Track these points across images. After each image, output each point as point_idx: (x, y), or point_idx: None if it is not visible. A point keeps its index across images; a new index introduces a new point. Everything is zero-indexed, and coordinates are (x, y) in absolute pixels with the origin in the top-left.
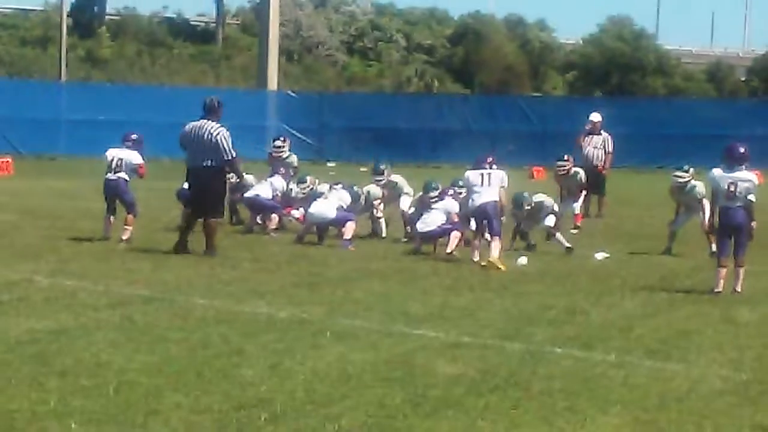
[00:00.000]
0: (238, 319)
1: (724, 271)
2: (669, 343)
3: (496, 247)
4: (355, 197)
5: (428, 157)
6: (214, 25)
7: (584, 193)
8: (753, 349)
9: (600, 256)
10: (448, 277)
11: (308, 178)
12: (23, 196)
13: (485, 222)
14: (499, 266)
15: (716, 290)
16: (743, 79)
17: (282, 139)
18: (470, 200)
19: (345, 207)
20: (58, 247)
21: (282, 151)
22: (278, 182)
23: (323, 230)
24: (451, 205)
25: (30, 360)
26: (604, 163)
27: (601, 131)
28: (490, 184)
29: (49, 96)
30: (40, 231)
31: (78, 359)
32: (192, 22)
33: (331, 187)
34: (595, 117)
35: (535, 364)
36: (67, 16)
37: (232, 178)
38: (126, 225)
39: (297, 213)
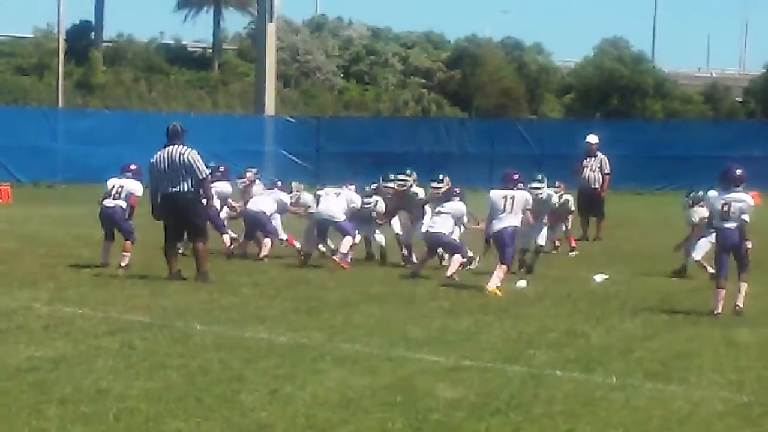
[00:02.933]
0: (237, 345)
1: (722, 292)
2: (669, 365)
3: (498, 276)
4: (366, 202)
5: (425, 180)
6: (211, 51)
7: (570, 217)
8: (753, 371)
9: (599, 278)
10: (447, 300)
11: (294, 185)
12: (21, 223)
13: (498, 247)
14: (498, 293)
15: (716, 312)
16: (740, 100)
17: (255, 170)
18: (490, 222)
19: (352, 209)
20: (57, 274)
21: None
22: (281, 195)
23: (324, 232)
24: (459, 208)
25: (29, 388)
26: (602, 185)
27: (597, 153)
28: (513, 210)
29: (46, 123)
30: (39, 258)
31: (78, 387)
32: (189, 49)
33: (345, 187)
34: (592, 139)
35: (536, 387)
36: (64, 42)
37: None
38: (124, 251)
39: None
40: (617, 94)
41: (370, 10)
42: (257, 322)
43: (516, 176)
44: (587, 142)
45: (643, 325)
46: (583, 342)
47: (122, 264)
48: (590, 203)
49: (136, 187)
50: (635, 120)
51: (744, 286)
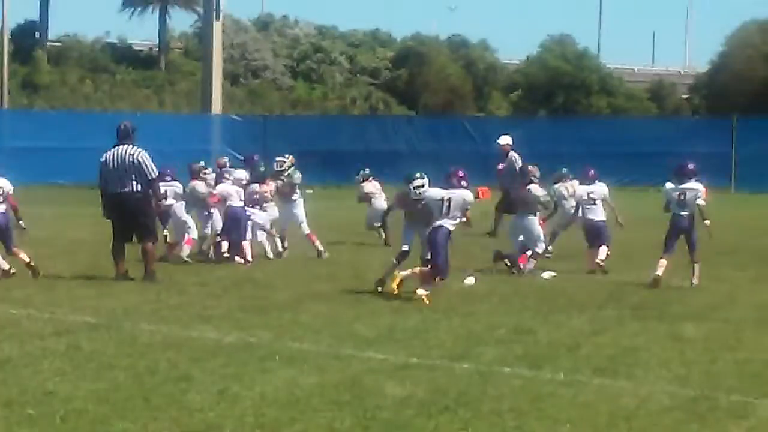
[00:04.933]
0: (185, 345)
1: (664, 261)
2: (616, 360)
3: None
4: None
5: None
6: (157, 50)
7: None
8: (699, 365)
9: (547, 275)
10: (395, 298)
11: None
12: None
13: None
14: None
15: (655, 274)
16: (685, 96)
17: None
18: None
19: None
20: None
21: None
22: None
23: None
24: (467, 196)
25: None
26: (511, 184)
27: (509, 153)
28: (450, 211)
29: None
30: None
31: (24, 388)
32: (135, 48)
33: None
34: (501, 140)
35: (484, 384)
36: (9, 42)
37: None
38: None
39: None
40: (562, 92)
41: (316, 8)
42: (204, 321)
43: (461, 174)
44: (497, 143)
45: (590, 321)
46: (530, 339)
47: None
48: (507, 202)
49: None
50: (580, 117)
51: (697, 267)
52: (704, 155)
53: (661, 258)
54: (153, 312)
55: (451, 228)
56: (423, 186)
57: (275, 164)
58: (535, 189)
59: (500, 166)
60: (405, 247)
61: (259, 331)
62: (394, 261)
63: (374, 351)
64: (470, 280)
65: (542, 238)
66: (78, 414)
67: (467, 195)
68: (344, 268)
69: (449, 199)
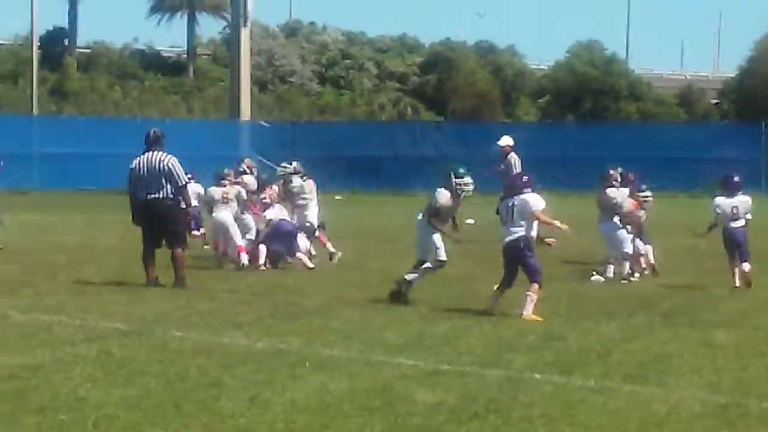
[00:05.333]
0: (215, 351)
1: (737, 269)
2: (647, 367)
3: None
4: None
5: (402, 185)
6: (185, 56)
7: None
8: (730, 372)
9: (596, 279)
10: (425, 305)
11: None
12: None
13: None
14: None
15: (736, 285)
16: (714, 102)
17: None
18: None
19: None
20: (34, 282)
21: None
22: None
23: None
24: (532, 200)
25: (7, 396)
26: None
27: (509, 155)
28: (513, 218)
29: (21, 130)
30: (15, 266)
31: (56, 395)
32: (163, 54)
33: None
34: (501, 141)
35: (514, 391)
36: (38, 49)
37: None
38: None
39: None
40: (590, 97)
41: (344, 14)
42: (235, 328)
43: (526, 178)
44: (497, 144)
45: (620, 328)
46: (561, 345)
47: None
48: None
49: None
50: (609, 122)
51: (746, 266)
52: (733, 160)
53: (733, 268)
54: (183, 318)
55: (522, 235)
56: (471, 183)
57: (278, 170)
58: (613, 193)
59: (499, 168)
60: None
61: (290, 338)
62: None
63: (405, 357)
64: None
65: (627, 240)
66: (109, 420)
67: (532, 199)
68: (374, 275)
69: (513, 205)
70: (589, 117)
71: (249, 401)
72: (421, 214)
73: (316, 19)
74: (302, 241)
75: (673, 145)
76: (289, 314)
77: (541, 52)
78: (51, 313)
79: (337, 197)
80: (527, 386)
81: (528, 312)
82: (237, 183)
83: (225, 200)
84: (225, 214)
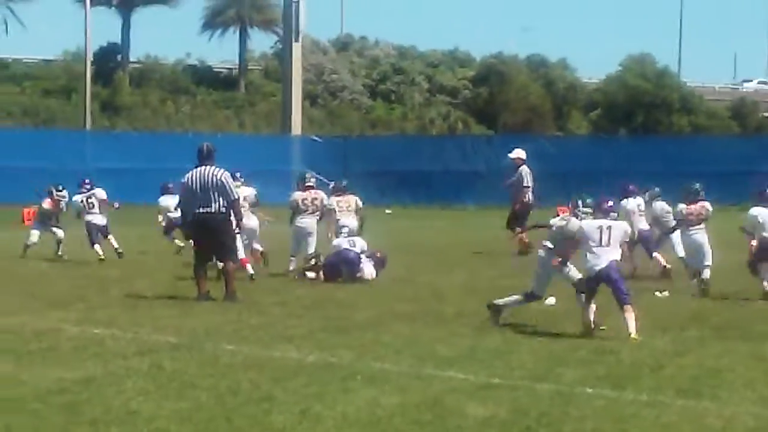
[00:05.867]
0: (266, 365)
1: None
2: (700, 381)
3: (631, 318)
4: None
5: (453, 199)
6: (237, 71)
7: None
8: None
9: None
10: (476, 318)
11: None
12: (50, 244)
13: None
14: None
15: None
16: (766, 115)
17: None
18: (585, 258)
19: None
20: (86, 296)
21: None
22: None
23: None
24: (626, 227)
25: (60, 409)
26: (519, 198)
27: (521, 167)
28: (610, 243)
29: (75, 145)
30: (69, 280)
31: (108, 408)
32: (215, 69)
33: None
34: (512, 154)
35: (566, 405)
36: (92, 65)
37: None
38: None
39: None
40: (642, 110)
41: (396, 29)
42: (286, 341)
43: (610, 204)
44: (509, 156)
45: (672, 342)
46: (612, 359)
47: None
48: (513, 216)
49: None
50: (661, 136)
51: None
52: None
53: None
54: (234, 332)
55: (615, 259)
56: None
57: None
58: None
59: (509, 180)
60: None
61: (341, 351)
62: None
63: (455, 371)
64: (551, 300)
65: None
66: None
67: (627, 227)
68: (424, 289)
69: (609, 228)
70: (641, 130)
71: (300, 415)
72: (549, 244)
73: (367, 34)
74: (367, 266)
75: (725, 158)
76: (340, 328)
77: (593, 66)
78: (103, 327)
79: (387, 211)
80: (579, 400)
81: (635, 330)
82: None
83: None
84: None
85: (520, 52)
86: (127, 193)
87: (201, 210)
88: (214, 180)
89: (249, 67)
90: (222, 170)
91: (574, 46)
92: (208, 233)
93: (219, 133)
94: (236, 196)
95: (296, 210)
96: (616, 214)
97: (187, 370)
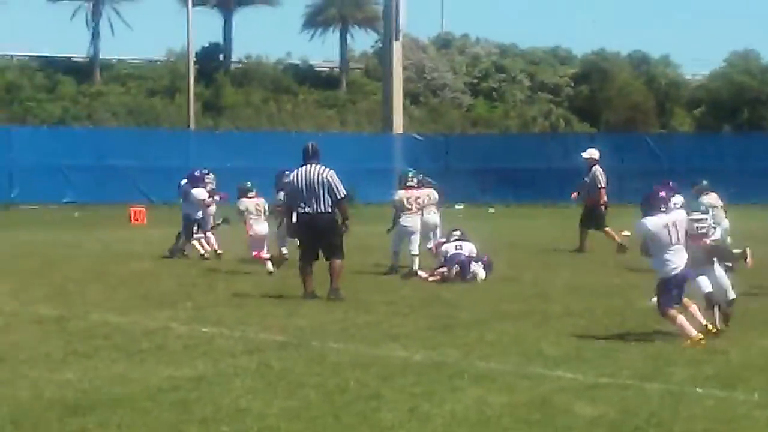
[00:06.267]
0: (373, 363)
1: None
2: None
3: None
4: None
5: (556, 197)
6: (338, 70)
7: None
8: None
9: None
10: (581, 318)
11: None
12: (158, 244)
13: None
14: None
15: None
16: None
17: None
18: (664, 260)
19: None
20: (193, 294)
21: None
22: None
23: None
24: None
25: (171, 407)
26: (596, 197)
27: (593, 167)
28: (679, 239)
29: (179, 145)
30: (176, 278)
31: (218, 406)
32: (316, 68)
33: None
34: (586, 153)
35: (675, 405)
36: (195, 65)
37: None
38: None
39: None
40: (748, 107)
41: (497, 27)
42: (392, 340)
43: (664, 192)
44: (581, 156)
45: None
46: (722, 359)
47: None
48: (587, 215)
49: None
50: (767, 132)
51: None
52: None
53: None
54: (341, 330)
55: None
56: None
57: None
58: None
59: (582, 183)
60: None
61: (447, 350)
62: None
63: (563, 370)
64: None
65: None
66: (271, 431)
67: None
68: (528, 287)
69: (674, 224)
70: (746, 127)
71: (408, 413)
72: None
73: (468, 32)
74: (478, 269)
75: None
76: (446, 326)
77: (696, 62)
78: (211, 325)
79: (490, 210)
80: (688, 400)
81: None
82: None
83: (258, 212)
84: (263, 226)
85: (622, 49)
86: (230, 192)
87: (307, 209)
88: (321, 178)
89: (350, 66)
90: (328, 169)
91: (678, 43)
92: (315, 231)
93: (320, 131)
94: (343, 194)
95: (400, 209)
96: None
97: (294, 369)
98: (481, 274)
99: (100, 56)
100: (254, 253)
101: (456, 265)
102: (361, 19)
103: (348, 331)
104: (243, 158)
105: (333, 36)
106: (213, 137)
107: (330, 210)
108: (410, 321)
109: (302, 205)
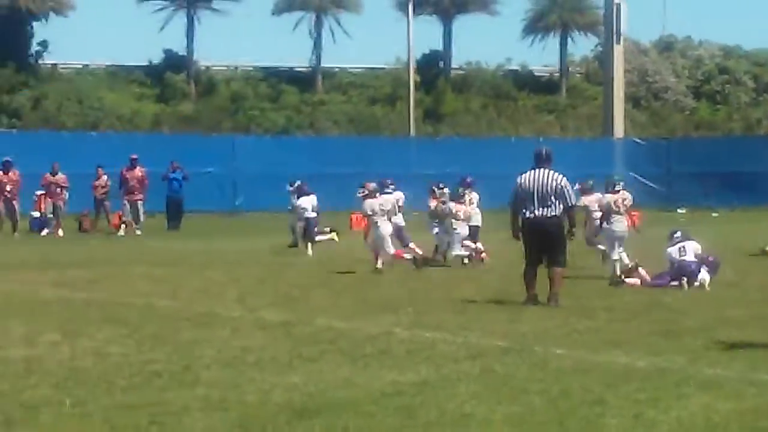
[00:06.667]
0: (595, 369)
1: None
2: None
3: None
4: None
5: None
6: (558, 75)
7: None
8: None
9: None
10: None
11: None
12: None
13: None
14: None
15: None
16: None
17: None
18: None
19: None
20: (414, 299)
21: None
22: None
23: None
24: None
25: (394, 412)
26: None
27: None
28: None
29: (400, 152)
30: (394, 284)
31: (442, 411)
32: (536, 74)
33: None
34: None
35: None
36: (415, 72)
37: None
38: None
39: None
40: None
41: (720, 28)
42: (614, 346)
43: None
44: None
45: None
46: None
47: None
48: None
49: None
50: None
51: None
52: None
53: None
54: (563, 336)
55: None
56: None
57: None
58: None
59: None
60: None
61: (672, 356)
62: None
63: None
64: None
65: None
66: None
67: None
68: (754, 293)
69: None
70: None
71: (634, 419)
72: None
73: (691, 34)
74: (703, 273)
75: None
76: (669, 332)
77: None
78: (433, 330)
79: (713, 214)
80: None
81: None
82: None
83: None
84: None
85: None
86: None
87: (536, 213)
88: (554, 184)
89: (570, 71)
90: (562, 176)
91: None
92: (542, 236)
93: (540, 137)
94: (574, 202)
95: (609, 211)
96: None
97: (517, 374)
98: (707, 280)
99: (322, 65)
100: (393, 252)
101: (684, 278)
102: (582, 24)
103: (570, 337)
104: (463, 164)
105: (553, 41)
106: (433, 144)
107: (559, 215)
108: (632, 327)
109: (531, 208)
